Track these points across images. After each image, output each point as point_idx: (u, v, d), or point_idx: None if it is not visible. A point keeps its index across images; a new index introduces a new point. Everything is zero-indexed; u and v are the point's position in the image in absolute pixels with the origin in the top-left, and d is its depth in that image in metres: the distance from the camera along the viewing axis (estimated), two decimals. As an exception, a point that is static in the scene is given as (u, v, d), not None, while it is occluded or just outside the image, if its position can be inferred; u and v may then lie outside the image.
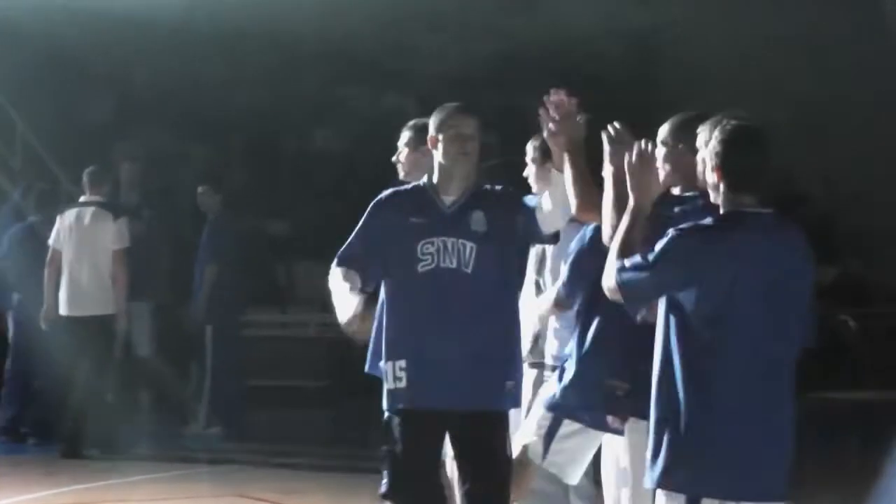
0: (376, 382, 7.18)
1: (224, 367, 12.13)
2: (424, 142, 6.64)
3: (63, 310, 11.00)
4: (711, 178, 4.78)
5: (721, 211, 4.79)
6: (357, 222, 7.17)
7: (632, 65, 19.79)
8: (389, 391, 6.07)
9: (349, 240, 6.17)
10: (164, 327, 12.74)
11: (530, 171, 6.54)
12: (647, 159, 4.96)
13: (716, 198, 4.82)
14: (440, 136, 6.21)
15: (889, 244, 17.85)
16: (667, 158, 5.38)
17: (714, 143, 4.77)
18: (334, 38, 20.23)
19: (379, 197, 6.28)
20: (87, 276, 10.97)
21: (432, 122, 6.29)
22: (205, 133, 17.91)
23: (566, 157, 5.72)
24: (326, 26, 20.28)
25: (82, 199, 11.37)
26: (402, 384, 6.00)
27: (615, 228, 4.92)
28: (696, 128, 5.02)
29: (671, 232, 4.68)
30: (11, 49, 17.51)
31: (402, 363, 6.00)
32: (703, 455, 4.58)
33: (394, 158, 7.03)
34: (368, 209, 6.19)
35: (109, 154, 16.52)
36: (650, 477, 4.69)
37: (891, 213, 18.00)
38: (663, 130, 5.46)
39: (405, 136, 7.02)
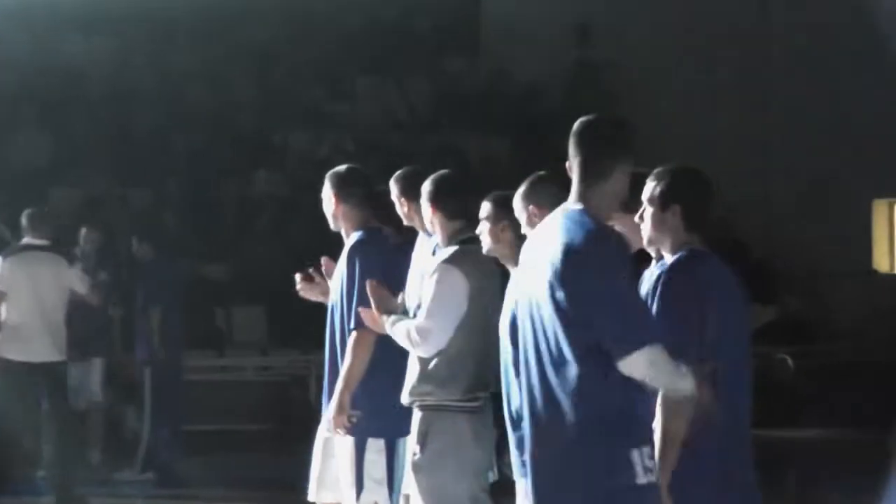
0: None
1: (162, 412, 12.06)
2: (346, 190, 6.84)
3: (14, 355, 10.70)
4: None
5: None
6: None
7: (571, 104, 19.94)
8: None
9: None
10: (110, 375, 12.70)
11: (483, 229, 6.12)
12: None
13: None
14: None
15: (827, 284, 18.10)
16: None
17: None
18: (274, 80, 20.31)
19: None
20: (41, 320, 10.75)
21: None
22: (142, 177, 17.86)
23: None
24: (265, 69, 20.36)
25: (24, 241, 11.03)
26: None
27: None
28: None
29: None
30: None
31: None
32: None
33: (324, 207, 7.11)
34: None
35: (46, 198, 16.49)
36: None
37: (829, 254, 18.26)
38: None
39: (326, 186, 7.04)
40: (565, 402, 4.51)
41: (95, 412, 12.54)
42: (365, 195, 6.98)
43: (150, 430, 11.99)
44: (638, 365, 4.47)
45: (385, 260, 6.84)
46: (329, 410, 6.77)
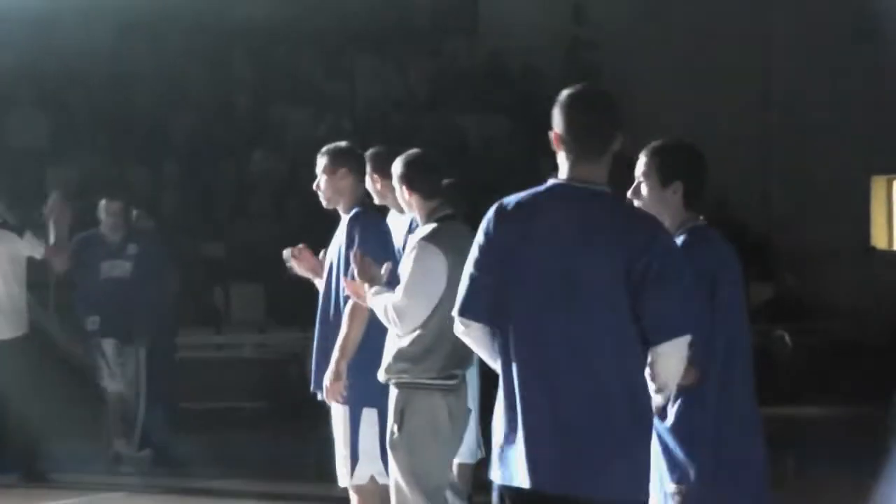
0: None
1: (158, 390, 12.03)
2: (342, 166, 6.88)
3: None
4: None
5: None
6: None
7: (569, 82, 19.87)
8: None
9: None
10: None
11: None
12: None
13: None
14: None
15: (825, 261, 18.08)
16: None
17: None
18: (272, 59, 20.29)
19: None
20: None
21: None
22: (140, 156, 17.86)
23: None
24: (264, 48, 20.35)
25: None
26: None
27: None
28: None
29: None
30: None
31: None
32: None
33: (314, 186, 7.10)
34: None
35: (43, 178, 16.48)
36: None
37: (827, 231, 18.25)
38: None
39: (321, 162, 7.07)
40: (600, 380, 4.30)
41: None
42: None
43: (146, 408, 11.96)
44: (674, 350, 4.35)
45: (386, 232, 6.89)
46: (325, 379, 6.77)
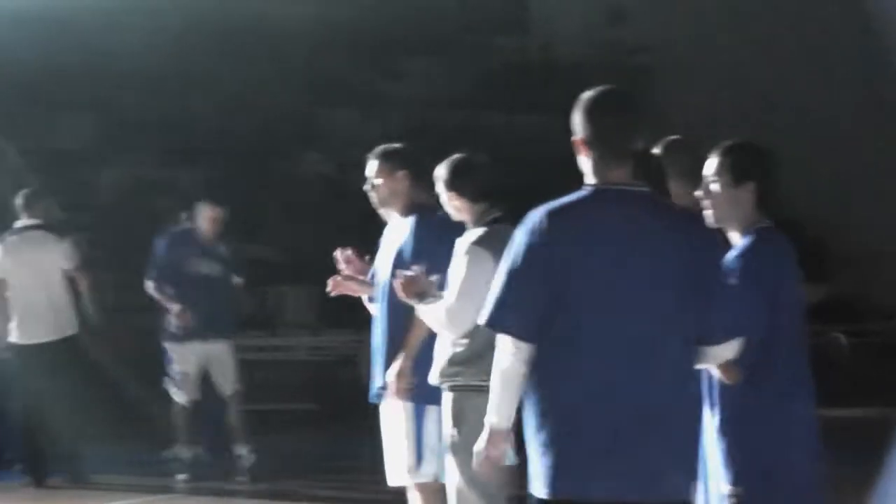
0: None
1: (210, 391, 12.04)
2: (400, 168, 6.84)
3: (19, 338, 10.71)
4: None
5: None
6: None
7: (617, 82, 19.85)
8: None
9: None
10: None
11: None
12: None
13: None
14: None
15: (878, 263, 17.96)
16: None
17: None
18: (323, 60, 20.32)
19: None
20: (39, 302, 10.69)
21: None
22: (192, 158, 17.94)
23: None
24: (315, 48, 20.37)
25: (18, 223, 10.96)
26: None
27: None
28: None
29: None
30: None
31: None
32: None
33: (367, 187, 7.07)
34: None
35: (97, 179, 16.58)
36: None
37: (880, 232, 18.12)
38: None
39: (376, 163, 7.02)
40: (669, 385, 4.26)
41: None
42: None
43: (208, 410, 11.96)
44: (726, 352, 4.36)
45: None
46: (389, 375, 6.78)
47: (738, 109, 18.12)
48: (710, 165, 4.93)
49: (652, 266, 4.21)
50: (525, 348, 4.26)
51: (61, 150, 17.54)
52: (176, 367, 11.00)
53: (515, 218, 6.49)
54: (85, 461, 10.89)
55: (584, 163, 4.36)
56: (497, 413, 4.34)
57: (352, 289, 7.15)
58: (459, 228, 6.50)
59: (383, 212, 7.06)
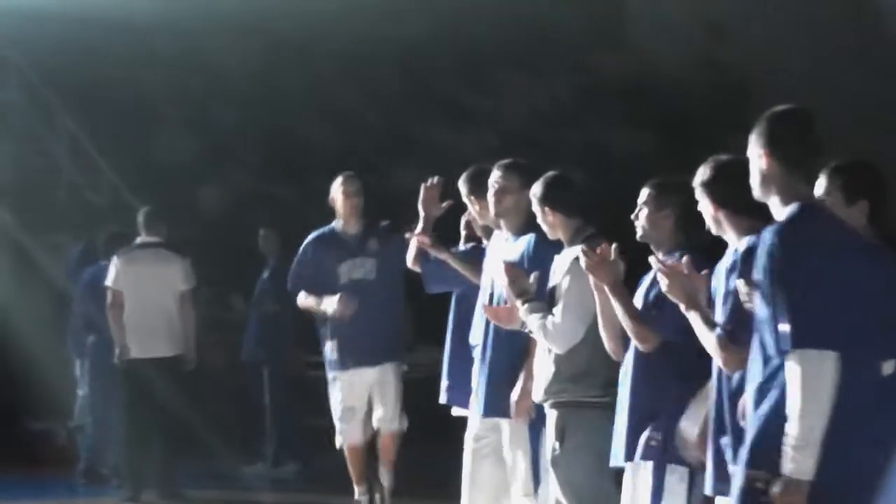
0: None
1: (284, 407, 12.14)
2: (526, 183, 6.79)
3: (135, 352, 10.84)
4: None
5: None
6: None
7: (716, 99, 19.82)
8: None
9: None
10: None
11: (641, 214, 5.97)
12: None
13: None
14: None
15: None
16: None
17: None
18: (417, 76, 20.38)
19: None
20: (156, 318, 10.87)
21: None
22: (288, 173, 18.07)
23: (611, 296, 5.74)
24: (409, 64, 20.44)
25: (139, 240, 11.19)
26: None
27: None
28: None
29: None
30: (98, 98, 17.88)
31: None
32: None
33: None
34: None
35: (194, 196, 16.73)
36: None
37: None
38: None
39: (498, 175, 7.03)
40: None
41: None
42: None
43: (277, 425, 12.06)
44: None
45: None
46: (514, 396, 6.79)
47: (840, 128, 17.88)
48: (820, 185, 4.95)
49: None
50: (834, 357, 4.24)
51: (158, 166, 17.74)
52: (338, 402, 9.07)
53: (608, 234, 6.46)
54: (178, 476, 10.99)
55: (777, 178, 4.47)
56: (807, 456, 4.23)
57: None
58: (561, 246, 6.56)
59: (492, 223, 7.08)
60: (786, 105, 4.58)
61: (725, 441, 4.96)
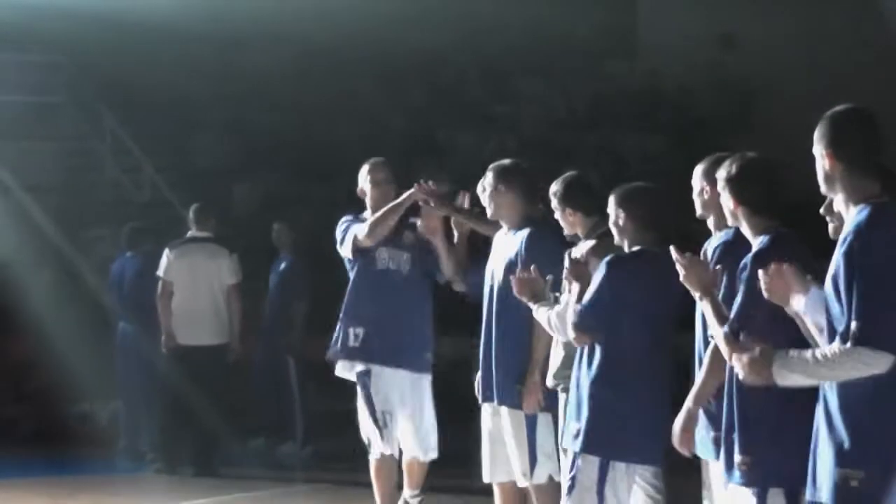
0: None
1: (304, 391, 12.19)
2: (504, 183, 6.99)
3: (179, 338, 10.99)
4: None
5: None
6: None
7: (721, 105, 19.84)
8: None
9: None
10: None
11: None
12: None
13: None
14: None
15: None
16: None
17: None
18: (442, 83, 20.47)
19: None
20: (204, 307, 10.99)
21: None
22: (318, 174, 18.16)
23: (702, 302, 5.24)
24: (435, 73, 20.54)
25: (190, 233, 11.32)
26: None
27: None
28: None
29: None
30: (140, 101, 18.02)
31: None
32: None
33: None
34: None
35: (229, 193, 16.84)
36: None
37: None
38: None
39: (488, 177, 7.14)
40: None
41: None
42: None
43: (302, 410, 12.11)
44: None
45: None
46: (526, 388, 6.83)
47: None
48: None
49: None
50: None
51: (197, 167, 17.85)
52: (375, 403, 7.81)
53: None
54: (215, 454, 11.12)
55: (849, 176, 4.31)
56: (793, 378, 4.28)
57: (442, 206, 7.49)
58: (566, 238, 6.66)
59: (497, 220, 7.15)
60: (846, 105, 4.43)
61: (735, 436, 4.93)
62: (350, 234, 7.80)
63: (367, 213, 7.97)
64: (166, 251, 11.15)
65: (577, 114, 20.58)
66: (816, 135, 4.38)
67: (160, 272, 11.05)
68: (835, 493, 4.15)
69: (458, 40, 20.59)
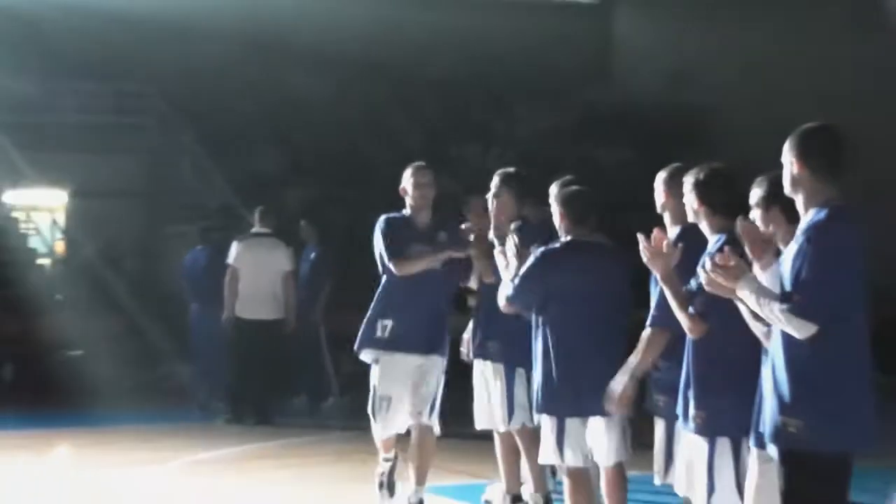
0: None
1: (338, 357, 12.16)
2: (504, 188, 6.80)
3: (244, 314, 10.98)
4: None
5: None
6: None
7: (681, 123, 19.79)
8: None
9: None
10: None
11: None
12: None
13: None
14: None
15: None
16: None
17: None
18: (452, 105, 20.49)
19: None
20: (265, 289, 11.06)
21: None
22: (351, 183, 18.18)
23: (662, 284, 5.04)
24: (445, 95, 20.57)
25: (255, 230, 11.32)
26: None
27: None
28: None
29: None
30: (211, 122, 18.10)
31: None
32: None
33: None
34: None
35: (279, 198, 16.89)
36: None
37: None
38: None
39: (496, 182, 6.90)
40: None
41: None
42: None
43: (333, 370, 12.09)
44: None
45: None
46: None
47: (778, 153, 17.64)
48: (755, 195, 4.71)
49: None
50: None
51: (254, 175, 17.88)
52: (377, 389, 6.86)
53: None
54: (272, 408, 11.19)
55: (809, 184, 4.20)
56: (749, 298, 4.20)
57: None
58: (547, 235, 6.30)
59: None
60: (817, 123, 4.26)
61: (690, 393, 4.89)
62: (384, 255, 6.91)
63: (406, 211, 7.12)
64: (235, 243, 11.14)
65: (562, 130, 20.58)
66: (787, 145, 4.24)
67: (230, 260, 11.04)
68: (775, 435, 4.14)
69: (466, 70, 20.64)
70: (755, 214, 4.54)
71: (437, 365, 6.80)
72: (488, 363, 6.79)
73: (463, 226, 6.90)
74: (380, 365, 6.79)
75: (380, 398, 6.76)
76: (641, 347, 5.36)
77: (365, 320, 6.76)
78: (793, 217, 4.33)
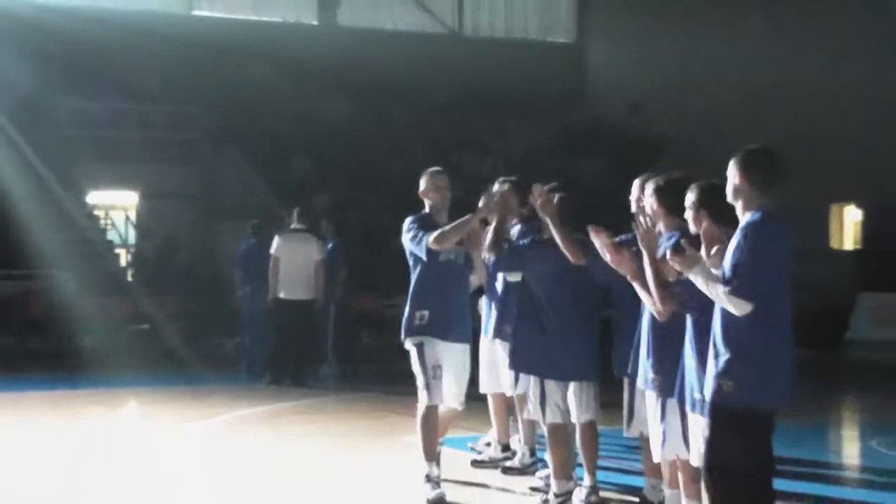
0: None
1: (343, 330, 12.22)
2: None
3: (284, 294, 11.14)
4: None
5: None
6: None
7: (646, 140, 19.83)
8: None
9: None
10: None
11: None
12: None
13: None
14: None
15: None
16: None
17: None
18: (454, 123, 20.57)
19: None
20: (300, 275, 11.20)
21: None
22: (369, 188, 18.25)
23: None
24: (449, 116, 20.65)
25: (293, 226, 11.46)
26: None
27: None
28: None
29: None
30: (252, 137, 18.13)
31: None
32: None
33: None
34: None
35: (311, 200, 16.97)
36: None
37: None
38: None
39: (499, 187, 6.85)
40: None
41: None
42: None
43: (335, 343, 12.11)
44: None
45: None
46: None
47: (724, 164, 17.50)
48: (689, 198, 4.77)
49: None
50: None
51: (291, 181, 17.94)
52: (427, 361, 6.23)
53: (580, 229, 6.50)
54: (307, 372, 11.34)
55: (749, 195, 4.22)
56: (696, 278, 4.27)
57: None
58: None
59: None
60: (758, 144, 4.32)
61: (649, 362, 4.95)
62: (424, 241, 6.34)
63: (426, 211, 6.58)
64: (276, 237, 11.32)
65: (545, 145, 20.65)
66: (732, 160, 4.25)
67: (272, 251, 11.21)
68: (713, 394, 4.20)
69: (465, 92, 20.72)
70: (687, 215, 4.61)
71: (467, 351, 6.36)
72: (506, 344, 6.58)
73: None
74: (424, 345, 6.24)
75: (432, 368, 6.17)
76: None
77: (405, 313, 6.30)
78: (718, 219, 4.41)
